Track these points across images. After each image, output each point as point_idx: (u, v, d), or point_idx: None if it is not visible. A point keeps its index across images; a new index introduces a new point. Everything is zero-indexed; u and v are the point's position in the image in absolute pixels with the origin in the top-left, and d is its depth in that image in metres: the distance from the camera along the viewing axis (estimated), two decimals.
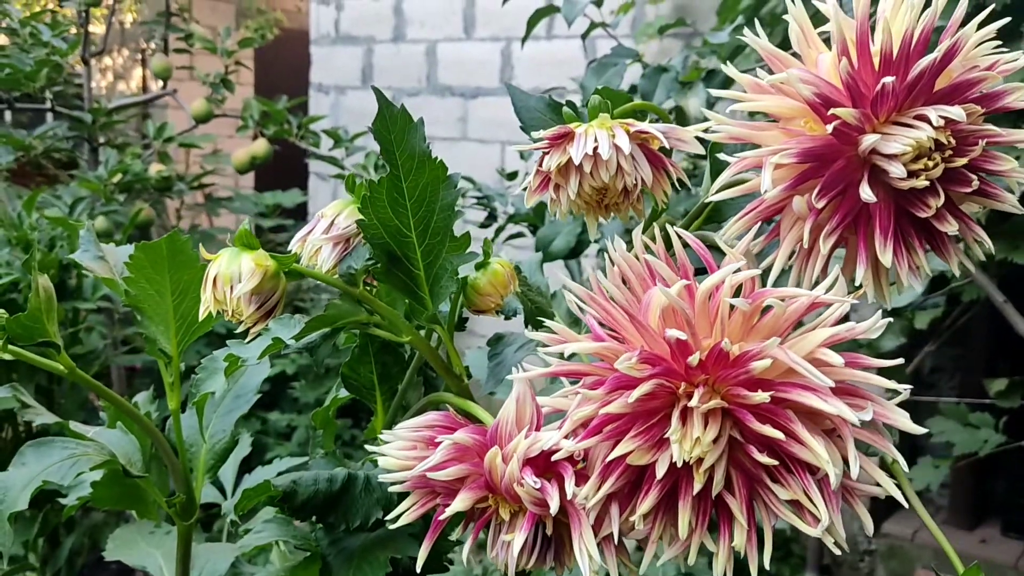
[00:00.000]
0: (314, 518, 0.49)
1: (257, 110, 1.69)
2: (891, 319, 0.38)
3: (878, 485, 0.37)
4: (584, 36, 1.27)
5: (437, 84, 3.67)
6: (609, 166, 0.42)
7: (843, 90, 0.40)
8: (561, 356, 0.40)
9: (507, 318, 0.52)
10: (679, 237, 0.38)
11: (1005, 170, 0.40)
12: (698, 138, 0.45)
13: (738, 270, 0.37)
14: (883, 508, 2.86)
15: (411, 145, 0.44)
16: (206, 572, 0.62)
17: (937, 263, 0.44)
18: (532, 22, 1.27)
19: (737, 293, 0.38)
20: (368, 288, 0.47)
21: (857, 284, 0.41)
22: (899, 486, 0.38)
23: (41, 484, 0.48)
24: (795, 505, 0.37)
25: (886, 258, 0.40)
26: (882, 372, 0.38)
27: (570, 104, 0.47)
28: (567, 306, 0.40)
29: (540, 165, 0.43)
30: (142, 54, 2.03)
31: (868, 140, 0.38)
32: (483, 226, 1.55)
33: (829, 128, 0.39)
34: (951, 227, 0.40)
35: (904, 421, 0.36)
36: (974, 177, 0.39)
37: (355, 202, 0.46)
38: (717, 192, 0.42)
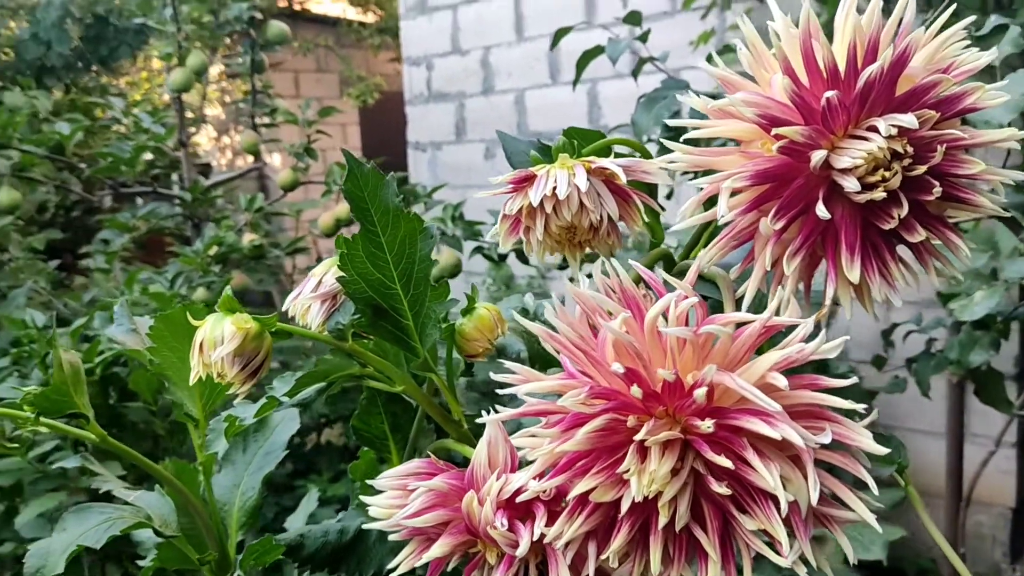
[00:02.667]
0: (326, 569, 0.50)
1: (338, 174, 1.76)
2: (846, 337, 0.36)
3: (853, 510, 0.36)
4: (634, 74, 1.28)
5: (528, 131, 3.73)
6: (570, 205, 0.42)
7: (792, 108, 0.39)
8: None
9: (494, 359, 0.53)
10: (615, 271, 0.38)
11: (973, 173, 0.38)
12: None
13: (686, 299, 0.36)
14: None
15: (385, 201, 0.45)
16: None
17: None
18: (581, 65, 1.29)
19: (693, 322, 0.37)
20: (362, 342, 0.49)
21: (830, 301, 0.40)
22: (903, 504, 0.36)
23: (77, 548, 0.51)
24: (768, 535, 0.36)
25: (853, 274, 0.39)
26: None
27: (543, 147, 0.48)
28: None
29: (504, 209, 0.44)
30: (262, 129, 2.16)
31: (816, 156, 0.38)
32: (559, 268, 1.56)
33: (774, 148, 0.38)
34: (918, 236, 0.39)
35: (867, 442, 0.35)
36: (936, 184, 0.38)
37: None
38: (680, 222, 0.42)
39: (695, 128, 0.41)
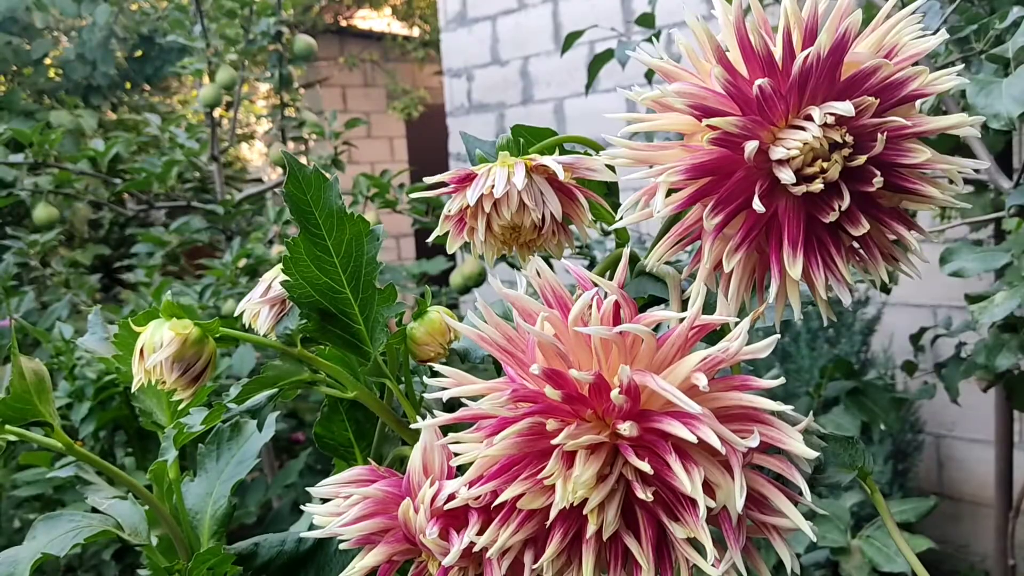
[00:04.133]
0: None
1: (364, 185, 1.77)
2: (777, 336, 0.35)
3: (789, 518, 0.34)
4: (647, 76, 1.26)
5: None
6: (509, 203, 0.41)
7: (728, 99, 0.37)
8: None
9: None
10: (541, 269, 0.37)
11: (919, 162, 0.37)
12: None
13: (607, 297, 0.35)
14: None
15: (328, 203, 0.45)
16: None
17: None
18: (593, 70, 1.27)
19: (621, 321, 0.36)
20: (317, 347, 0.48)
21: (772, 298, 0.38)
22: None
23: (42, 557, 0.52)
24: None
25: (795, 270, 0.37)
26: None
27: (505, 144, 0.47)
28: None
29: (445, 210, 0.43)
30: (293, 140, 2.19)
31: (749, 147, 0.36)
32: (589, 267, 1.55)
33: (705, 140, 0.37)
34: (861, 229, 0.37)
35: (796, 445, 0.33)
36: (876, 173, 0.36)
37: None
38: (617, 221, 0.40)
39: (633, 122, 0.40)
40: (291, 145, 2.04)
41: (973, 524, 2.68)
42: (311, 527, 0.56)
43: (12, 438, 0.52)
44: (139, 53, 3.47)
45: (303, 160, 2.14)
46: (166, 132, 2.04)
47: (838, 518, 1.08)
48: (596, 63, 1.25)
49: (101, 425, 1.37)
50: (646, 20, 1.21)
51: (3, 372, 1.52)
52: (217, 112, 1.95)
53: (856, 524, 1.17)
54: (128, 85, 3.64)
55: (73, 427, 1.39)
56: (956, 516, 2.68)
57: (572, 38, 1.30)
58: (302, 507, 0.42)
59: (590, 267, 1.72)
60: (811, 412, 1.10)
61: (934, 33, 0.38)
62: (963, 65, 1.11)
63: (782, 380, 0.33)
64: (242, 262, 1.73)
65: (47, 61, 3.36)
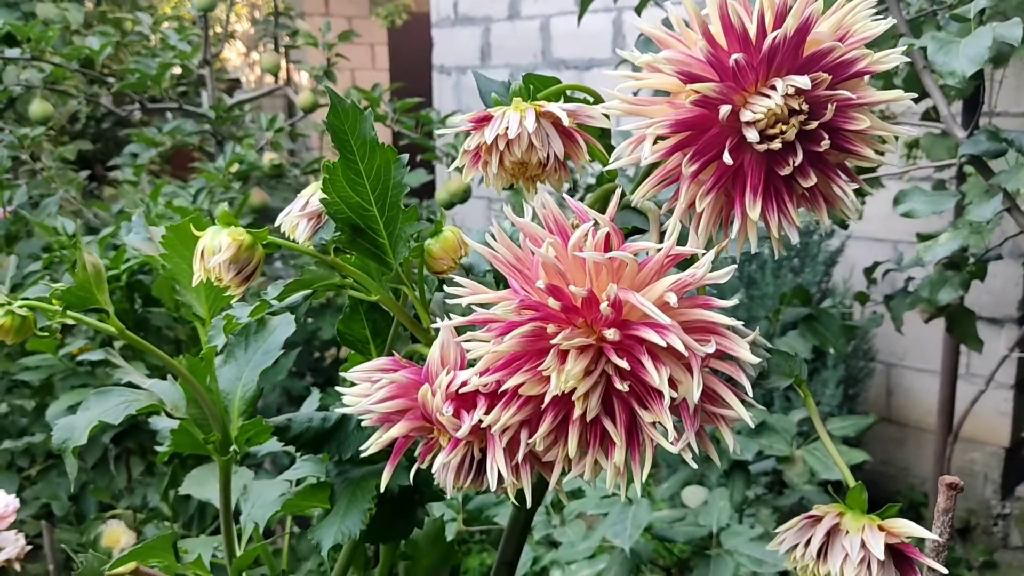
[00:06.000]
0: (311, 450, 0.58)
1: (356, 97, 1.81)
2: (734, 266, 0.43)
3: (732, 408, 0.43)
4: (638, 10, 1.31)
5: (552, 58, 3.74)
6: (520, 143, 0.49)
7: (708, 67, 0.45)
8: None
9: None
10: (545, 202, 0.45)
11: (862, 128, 0.45)
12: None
13: (598, 229, 0.43)
14: (1017, 472, 2.76)
15: (363, 132, 0.52)
16: (259, 503, 0.73)
17: None
18: (585, 2, 1.32)
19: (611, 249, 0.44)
20: (343, 256, 0.56)
21: (734, 236, 0.47)
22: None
23: (98, 424, 0.60)
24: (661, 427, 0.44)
25: (754, 212, 0.45)
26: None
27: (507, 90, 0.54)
28: None
29: (464, 145, 0.50)
30: (286, 49, 2.21)
31: (723, 110, 0.44)
32: (570, 192, 1.62)
33: (688, 101, 0.44)
34: (809, 181, 0.45)
35: (743, 352, 0.42)
36: (824, 136, 0.44)
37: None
38: (612, 163, 0.48)
39: (628, 79, 0.47)
40: (283, 53, 2.07)
41: (916, 449, 2.85)
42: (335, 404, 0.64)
43: (70, 322, 0.60)
44: None
45: (293, 72, 2.18)
46: (156, 32, 2.06)
47: (785, 431, 1.19)
48: None
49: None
50: None
51: (6, 263, 1.58)
52: (215, 11, 1.97)
53: (802, 436, 1.29)
54: None
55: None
56: (900, 441, 2.85)
57: None
58: (337, 388, 0.51)
59: (571, 191, 1.80)
60: (767, 333, 1.21)
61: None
62: (933, 14, 1.18)
63: (736, 302, 0.42)
64: (234, 167, 1.79)
65: None
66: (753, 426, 0.43)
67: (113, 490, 1.64)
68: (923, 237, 1.11)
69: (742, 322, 0.44)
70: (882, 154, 0.47)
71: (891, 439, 2.85)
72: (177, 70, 2.13)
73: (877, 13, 0.46)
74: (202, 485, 0.81)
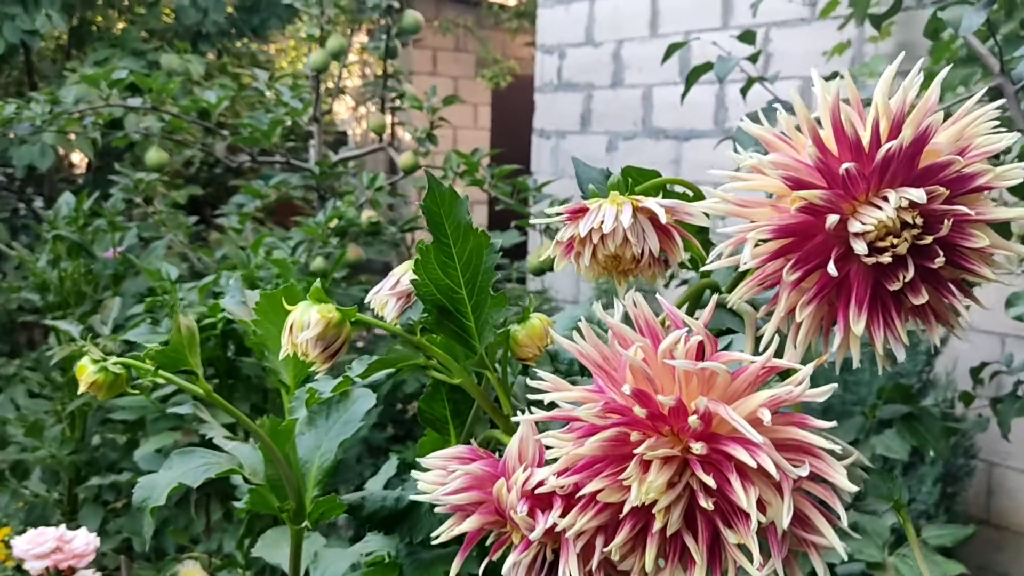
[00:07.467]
0: (383, 531, 0.57)
1: (455, 162, 1.84)
2: (835, 385, 0.41)
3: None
4: (744, 91, 1.30)
5: (652, 127, 3.74)
6: (615, 238, 0.48)
7: (817, 172, 0.43)
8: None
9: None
10: (635, 303, 0.43)
11: (980, 247, 0.42)
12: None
13: (691, 335, 0.42)
14: None
15: (458, 217, 0.52)
16: (330, 571, 0.72)
17: None
18: (690, 80, 1.31)
19: (702, 357, 0.42)
20: (429, 336, 0.56)
21: (835, 349, 0.44)
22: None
23: (177, 485, 0.60)
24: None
25: (858, 327, 0.43)
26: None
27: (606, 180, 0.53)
28: None
29: (558, 236, 0.50)
30: (390, 111, 2.27)
31: (830, 220, 0.42)
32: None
33: (793, 208, 0.43)
34: (921, 299, 0.43)
35: (839, 479, 0.39)
36: (939, 253, 0.42)
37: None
38: (709, 263, 0.46)
39: (732, 180, 0.46)
40: (390, 112, 2.13)
41: (1016, 555, 2.68)
42: (391, 483, 0.63)
43: (161, 381, 0.61)
44: (248, 3, 3.60)
45: (399, 131, 2.23)
46: (271, 89, 2.15)
47: (877, 535, 1.13)
48: (694, 74, 1.30)
49: None
50: (747, 37, 1.25)
51: (111, 304, 1.65)
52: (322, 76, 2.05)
53: (896, 542, 1.22)
54: (233, 33, 3.77)
55: None
56: (1000, 545, 2.68)
57: (673, 49, 1.34)
58: (413, 474, 0.50)
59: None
60: (863, 429, 1.15)
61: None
62: None
63: (834, 423, 0.39)
64: (333, 223, 1.83)
65: (162, 4, 3.51)
66: (842, 552, 0.40)
67: (191, 533, 1.67)
68: None
69: (836, 415, 0.42)
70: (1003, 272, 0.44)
71: (990, 542, 2.69)
72: (289, 124, 2.20)
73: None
74: (274, 548, 0.80)
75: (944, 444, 1.18)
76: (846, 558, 0.40)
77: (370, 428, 2.14)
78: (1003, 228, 0.88)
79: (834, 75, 1.15)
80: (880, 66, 2.27)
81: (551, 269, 1.91)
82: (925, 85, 0.45)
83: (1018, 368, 1.24)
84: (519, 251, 3.97)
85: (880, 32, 1.91)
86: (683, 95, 1.36)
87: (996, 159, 0.45)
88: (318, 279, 0.52)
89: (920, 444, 1.16)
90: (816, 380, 0.44)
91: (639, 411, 0.40)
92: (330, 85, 2.58)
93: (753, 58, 1.24)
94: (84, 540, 1.19)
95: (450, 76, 6.22)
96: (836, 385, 0.41)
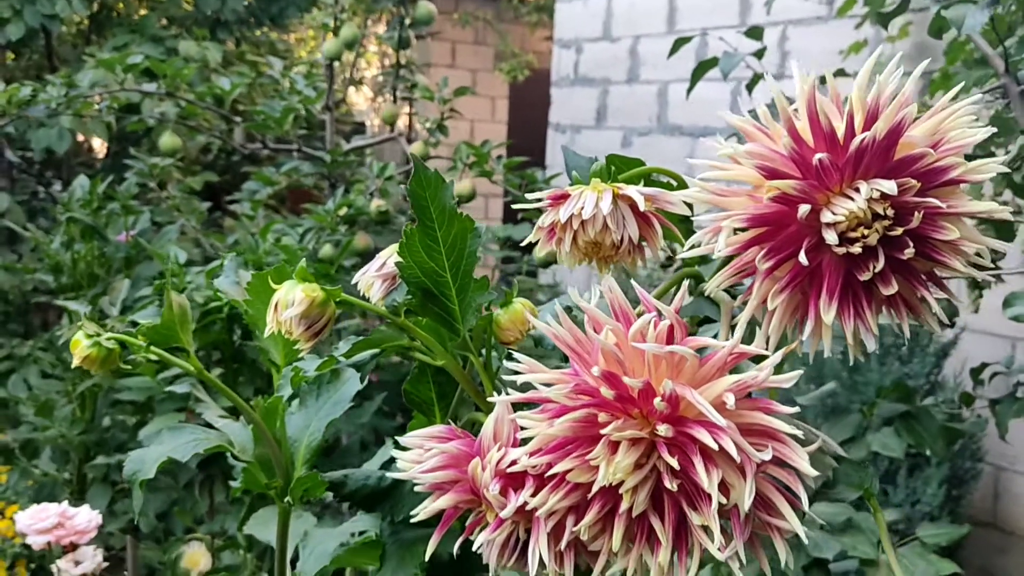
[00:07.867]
0: (365, 508, 0.58)
1: (465, 153, 1.85)
2: (800, 371, 0.41)
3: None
4: (750, 88, 1.30)
5: (667, 123, 3.74)
6: (594, 224, 0.49)
7: (791, 163, 0.44)
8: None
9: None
10: (610, 289, 0.44)
11: (951, 239, 0.42)
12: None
13: (661, 319, 0.42)
14: None
15: (443, 201, 0.53)
16: (316, 552, 0.73)
17: None
18: (696, 76, 1.32)
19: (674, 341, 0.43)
20: (413, 318, 0.56)
21: (805, 337, 0.45)
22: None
23: (166, 460, 0.62)
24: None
25: (828, 316, 0.44)
26: None
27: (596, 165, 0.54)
28: None
29: (539, 222, 0.50)
30: (403, 100, 2.29)
31: (802, 209, 0.43)
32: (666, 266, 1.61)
33: (766, 197, 0.43)
34: (891, 289, 0.43)
35: (802, 464, 0.40)
36: (909, 244, 0.42)
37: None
38: (685, 251, 0.47)
39: (710, 169, 0.46)
40: (406, 103, 2.14)
41: (1021, 558, 2.67)
42: (387, 467, 0.64)
43: (154, 357, 0.62)
44: None
45: (415, 121, 2.24)
46: (286, 77, 2.16)
47: (871, 532, 1.13)
48: (700, 69, 1.30)
49: (201, 345, 1.50)
50: (754, 33, 1.25)
51: (120, 286, 1.67)
52: (346, 57, 2.06)
53: (896, 536, 1.22)
54: (252, 21, 3.79)
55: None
56: (1004, 549, 2.67)
57: (680, 44, 1.34)
58: (392, 452, 0.51)
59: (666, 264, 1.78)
60: (861, 426, 1.14)
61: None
62: None
63: (796, 408, 0.40)
64: (342, 211, 1.84)
65: None
66: (804, 536, 0.41)
67: (196, 514, 1.69)
68: None
69: (836, 416, 0.42)
70: (977, 267, 0.45)
71: (994, 546, 2.68)
72: (302, 112, 2.22)
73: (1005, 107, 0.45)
74: (264, 526, 0.82)
75: (942, 444, 1.18)
76: (806, 541, 0.40)
77: (380, 416, 2.15)
78: (1006, 228, 0.88)
79: (840, 72, 1.15)
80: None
81: (556, 261, 1.91)
82: (942, 86, 0.46)
83: (1017, 370, 1.23)
84: (532, 245, 3.98)
85: (896, 31, 1.90)
86: (688, 90, 1.36)
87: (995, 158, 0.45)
88: (302, 259, 0.53)
89: (917, 443, 1.15)
90: (821, 377, 0.45)
91: (607, 393, 0.41)
92: (346, 75, 2.59)
93: (759, 54, 1.24)
94: (86, 517, 1.21)
95: (468, 69, 6.21)
96: (801, 372, 0.42)
